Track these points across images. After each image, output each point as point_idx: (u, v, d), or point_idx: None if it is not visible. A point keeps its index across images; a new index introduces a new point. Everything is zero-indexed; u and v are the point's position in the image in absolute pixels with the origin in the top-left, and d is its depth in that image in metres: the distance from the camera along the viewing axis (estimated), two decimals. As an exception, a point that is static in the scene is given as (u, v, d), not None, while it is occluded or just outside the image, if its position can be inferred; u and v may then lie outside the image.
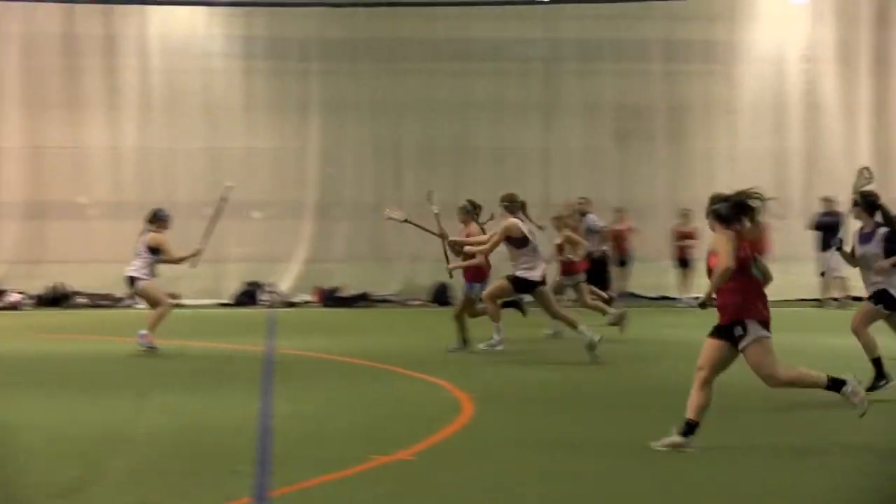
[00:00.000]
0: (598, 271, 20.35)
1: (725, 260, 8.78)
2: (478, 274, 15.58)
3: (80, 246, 24.49)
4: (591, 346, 14.16)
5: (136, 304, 23.86)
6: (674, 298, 23.82)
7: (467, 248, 15.33)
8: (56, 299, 24.02)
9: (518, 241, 14.53)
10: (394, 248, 24.66)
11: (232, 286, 24.82)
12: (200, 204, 25.10)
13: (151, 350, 15.02)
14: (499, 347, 15.27)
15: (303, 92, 25.45)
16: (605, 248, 21.50)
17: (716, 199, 9.09)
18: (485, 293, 15.13)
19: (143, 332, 15.16)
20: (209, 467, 8.45)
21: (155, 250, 15.46)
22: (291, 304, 24.60)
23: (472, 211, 15.77)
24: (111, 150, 25.06)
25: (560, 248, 17.65)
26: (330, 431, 9.89)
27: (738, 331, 8.82)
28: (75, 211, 25.06)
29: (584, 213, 20.94)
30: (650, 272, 24.32)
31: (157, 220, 15.70)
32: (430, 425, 9.88)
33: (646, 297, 24.41)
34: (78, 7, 24.80)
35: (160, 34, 25.20)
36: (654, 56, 25.68)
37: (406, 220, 16.22)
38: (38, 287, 24.02)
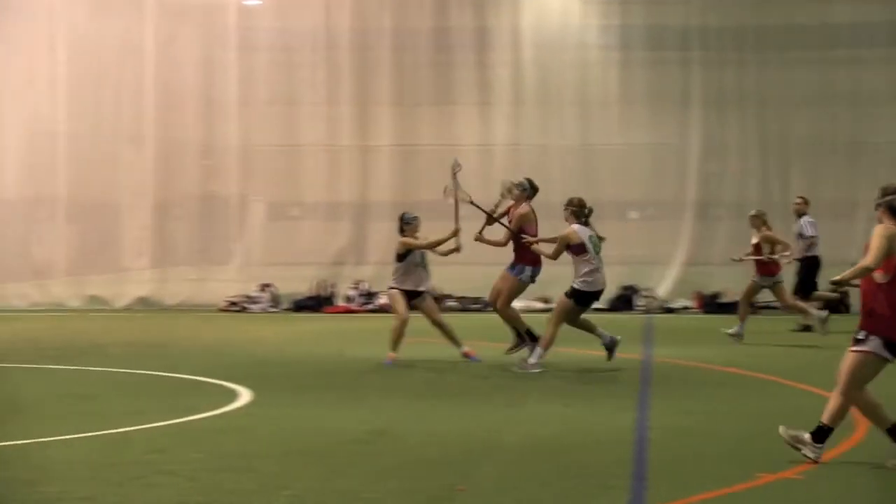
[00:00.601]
0: (805, 277, 19.70)
1: (871, 258, 8.51)
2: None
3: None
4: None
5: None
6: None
7: (536, 248, 14.99)
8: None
9: (577, 248, 14.63)
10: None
11: (606, 290, 24.85)
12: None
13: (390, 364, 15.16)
14: (534, 371, 14.57)
15: (683, 83, 25.32)
16: (813, 253, 20.01)
17: (889, 191, 8.64)
18: (552, 316, 14.87)
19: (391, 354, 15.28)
20: (580, 480, 8.56)
21: (402, 256, 15.62)
22: (669, 310, 24.54)
23: (528, 191, 15.43)
24: (482, 147, 25.64)
25: (757, 248, 17.90)
26: (710, 446, 9.84)
27: (861, 335, 8.72)
28: (446, 211, 25.76)
29: (800, 215, 20.04)
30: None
31: (405, 224, 15.83)
32: (819, 444, 9.66)
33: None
34: (451, 0, 25.55)
35: (533, 26, 25.64)
36: None
37: (471, 202, 15.74)
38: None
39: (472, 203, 15.46)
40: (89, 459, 9.16)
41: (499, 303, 15.21)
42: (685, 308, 24.76)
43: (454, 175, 15.40)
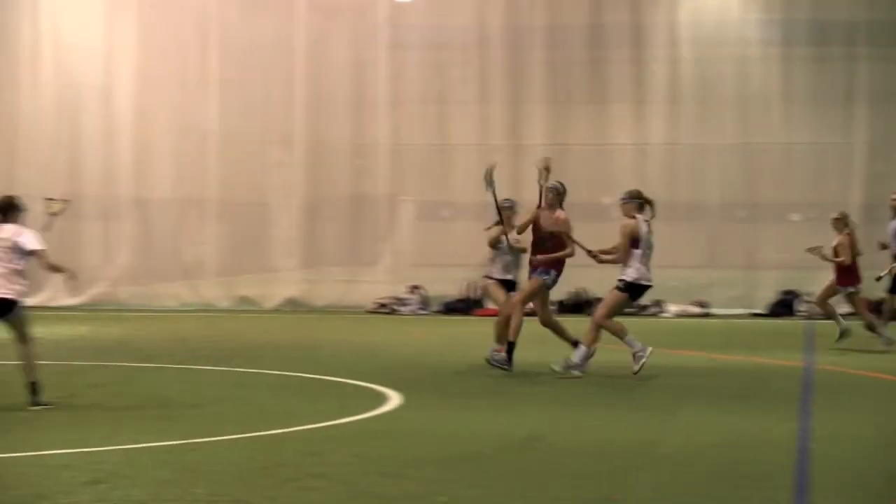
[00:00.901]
0: None
1: None
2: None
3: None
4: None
5: (663, 312, 24.26)
6: None
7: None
8: (578, 305, 24.71)
9: (634, 242, 14.36)
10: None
11: (766, 295, 24.65)
12: (731, 205, 25.17)
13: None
14: (576, 372, 14.32)
15: (848, 80, 24.88)
16: None
17: None
18: (600, 312, 14.51)
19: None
20: (739, 490, 8.48)
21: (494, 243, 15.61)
22: (831, 316, 24.07)
23: (562, 193, 15.09)
24: (637, 146, 25.53)
25: (837, 251, 17.79)
26: (875, 459, 9.67)
27: None
28: (599, 212, 25.71)
29: None
30: None
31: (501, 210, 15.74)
32: None
33: None
34: (606, -5, 25.53)
35: (691, 21, 25.44)
36: None
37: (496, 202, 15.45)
38: (560, 292, 24.74)
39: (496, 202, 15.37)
40: (241, 461, 9.32)
41: (540, 315, 15.01)
42: (849, 314, 24.29)
43: (489, 181, 15.39)
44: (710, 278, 24.67)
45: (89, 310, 24.08)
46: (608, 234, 25.06)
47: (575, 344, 14.79)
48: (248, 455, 9.57)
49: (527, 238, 15.21)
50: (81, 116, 25.96)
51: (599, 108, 25.73)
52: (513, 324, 14.74)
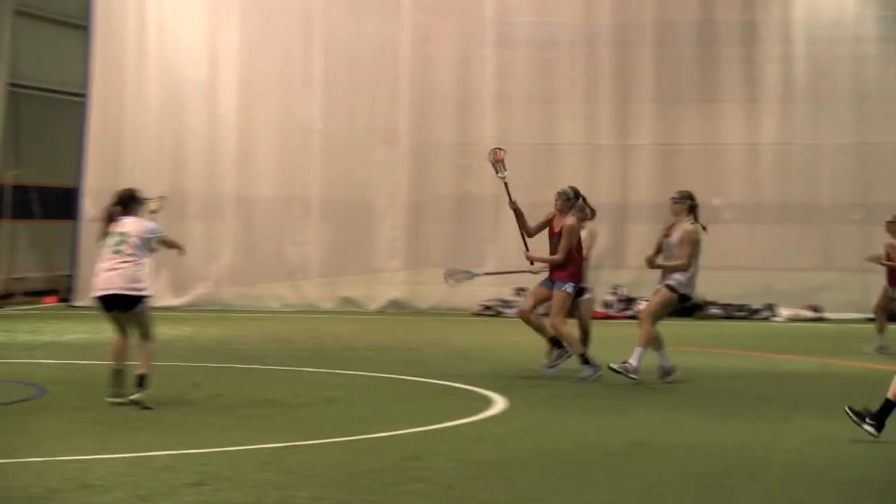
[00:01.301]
0: None
1: None
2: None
3: (713, 252, 24.83)
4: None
5: (774, 316, 24.02)
6: None
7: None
8: (687, 309, 24.50)
9: (693, 250, 14.15)
10: None
11: (882, 299, 24.26)
12: (845, 207, 24.84)
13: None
14: (632, 375, 14.00)
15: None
16: None
17: None
18: (647, 312, 14.23)
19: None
20: (851, 501, 8.39)
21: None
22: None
23: (573, 199, 14.79)
24: (748, 146, 25.31)
25: (889, 254, 17.46)
26: None
27: None
28: (708, 213, 25.46)
29: None
30: None
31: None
32: None
33: None
34: (719, -8, 25.34)
35: (805, 18, 25.16)
36: None
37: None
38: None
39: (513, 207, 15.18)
40: (343, 464, 9.39)
41: (550, 319, 14.77)
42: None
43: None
44: (824, 281, 24.37)
45: (192, 310, 24.38)
46: (718, 237, 25.06)
47: (554, 342, 14.74)
48: (350, 458, 9.64)
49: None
50: (185, 115, 26.29)
51: (710, 107, 25.54)
52: (569, 338, 14.68)
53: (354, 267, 26.34)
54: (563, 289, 14.54)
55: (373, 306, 25.63)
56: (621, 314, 24.41)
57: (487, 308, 25.05)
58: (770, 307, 24.16)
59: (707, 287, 24.29)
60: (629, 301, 24.66)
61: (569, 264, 14.56)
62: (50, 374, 14.71)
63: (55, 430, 10.83)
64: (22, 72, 26.82)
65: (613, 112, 25.64)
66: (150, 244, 12.27)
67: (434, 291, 25.36)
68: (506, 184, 15.39)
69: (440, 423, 11.32)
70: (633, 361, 14.04)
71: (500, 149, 15.77)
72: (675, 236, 14.25)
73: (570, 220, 14.66)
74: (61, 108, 27.79)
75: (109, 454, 9.68)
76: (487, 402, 12.62)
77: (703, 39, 25.35)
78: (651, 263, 14.45)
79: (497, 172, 15.59)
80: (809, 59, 25.09)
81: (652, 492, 8.61)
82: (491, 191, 25.82)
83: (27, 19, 27.07)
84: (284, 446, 10.09)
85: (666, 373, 14.34)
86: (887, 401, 10.21)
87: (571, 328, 14.86)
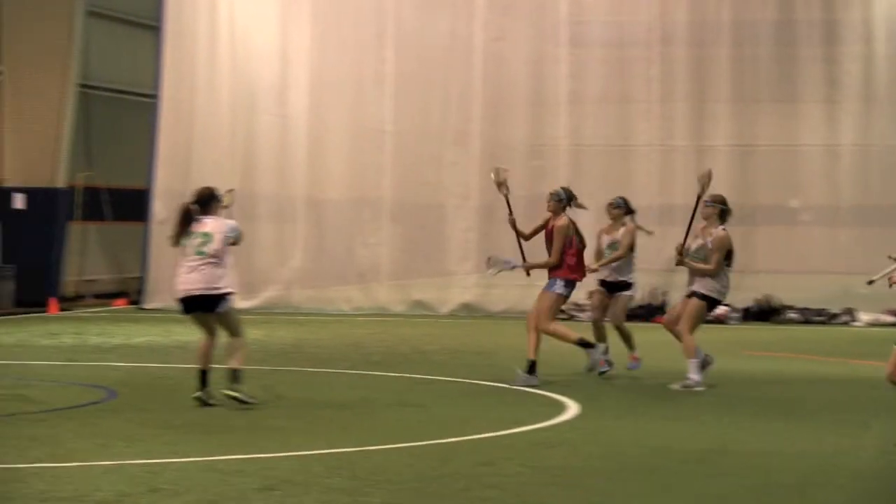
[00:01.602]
0: None
1: None
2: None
3: (791, 255, 24.74)
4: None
5: (854, 321, 23.79)
6: None
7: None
8: (764, 313, 24.38)
9: (727, 256, 14.04)
10: None
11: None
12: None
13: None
14: (698, 388, 13.87)
15: None
16: None
17: None
18: (685, 322, 14.02)
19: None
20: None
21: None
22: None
23: (564, 200, 14.68)
24: (827, 148, 25.09)
25: None
26: None
27: None
28: (786, 216, 25.37)
29: None
30: None
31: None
32: None
33: None
34: (797, -8, 25.14)
35: (887, 17, 24.91)
36: None
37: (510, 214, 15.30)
38: (746, 299, 24.45)
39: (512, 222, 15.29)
40: (414, 470, 9.40)
41: (540, 323, 14.65)
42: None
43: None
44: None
45: (263, 313, 24.49)
46: (795, 239, 24.89)
47: (582, 344, 14.77)
48: (421, 464, 9.65)
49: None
50: (256, 115, 26.42)
51: (788, 107, 25.36)
52: (558, 335, 14.76)
53: (426, 269, 26.36)
54: (551, 290, 14.57)
55: (444, 309, 25.63)
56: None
57: (561, 312, 24.93)
58: (849, 312, 23.92)
59: (785, 291, 24.25)
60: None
61: (561, 264, 14.57)
62: (120, 377, 14.85)
63: (125, 433, 10.92)
64: (93, 72, 27.10)
65: (689, 112, 25.51)
66: (231, 242, 12.38)
67: (507, 295, 25.30)
68: (507, 200, 15.46)
69: (512, 428, 11.31)
70: (692, 376, 14.04)
71: (502, 169, 15.80)
72: (707, 241, 14.20)
73: (561, 220, 14.68)
74: (132, 108, 28.07)
75: (179, 458, 9.75)
76: (560, 407, 12.60)
77: (781, 38, 25.16)
78: (680, 261, 14.42)
79: (500, 190, 15.54)
80: (891, 59, 24.84)
81: (728, 501, 8.55)
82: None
83: (98, 20, 27.35)
84: (355, 451, 10.12)
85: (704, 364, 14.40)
86: None
87: (560, 325, 14.92)
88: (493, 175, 15.78)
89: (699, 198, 14.49)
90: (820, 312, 24.11)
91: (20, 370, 15.62)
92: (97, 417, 11.93)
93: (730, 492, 8.79)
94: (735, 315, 24.20)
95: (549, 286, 14.63)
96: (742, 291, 24.51)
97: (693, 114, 25.52)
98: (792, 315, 24.20)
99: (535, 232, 15.06)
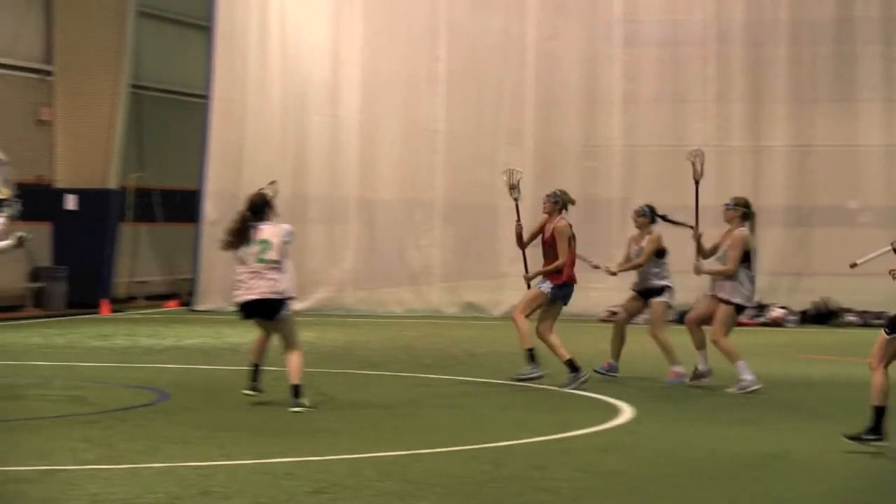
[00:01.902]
0: None
1: None
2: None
3: (849, 257, 24.39)
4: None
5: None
6: None
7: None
8: (822, 316, 24.21)
9: (746, 255, 13.96)
10: None
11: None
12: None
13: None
14: (754, 387, 13.86)
15: None
16: None
17: None
18: (716, 330, 14.04)
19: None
20: None
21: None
22: None
23: (560, 202, 14.66)
24: (887, 147, 24.90)
25: None
26: None
27: None
28: (845, 217, 25.17)
29: None
30: None
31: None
32: None
33: None
34: (859, -11, 24.96)
35: (948, 14, 24.73)
36: None
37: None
38: (803, 302, 24.31)
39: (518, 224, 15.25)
40: (466, 473, 9.39)
41: (514, 314, 14.68)
42: None
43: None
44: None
45: (314, 315, 24.51)
46: (853, 241, 24.69)
47: (570, 364, 14.46)
48: (473, 467, 9.63)
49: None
50: (307, 116, 26.48)
51: (847, 106, 25.16)
52: (523, 333, 14.60)
53: (478, 271, 26.31)
54: (540, 287, 14.50)
55: (497, 311, 25.55)
56: (754, 321, 24.05)
57: (614, 314, 24.84)
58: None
59: (843, 294, 24.05)
60: (761, 308, 24.32)
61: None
62: (172, 378, 14.92)
63: (176, 435, 10.97)
64: (144, 73, 27.28)
65: (746, 112, 25.36)
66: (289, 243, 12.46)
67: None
68: (517, 205, 15.49)
69: (566, 431, 11.27)
70: (745, 377, 14.02)
71: (516, 171, 15.79)
72: (727, 243, 14.16)
73: (560, 222, 14.67)
74: (183, 109, 28.23)
75: (230, 461, 9.78)
76: (614, 411, 12.55)
77: (840, 37, 24.97)
78: (698, 270, 14.56)
79: (511, 193, 15.57)
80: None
81: (786, 506, 8.50)
82: (618, 193, 25.71)
83: (150, 20, 27.53)
84: (406, 454, 10.11)
85: (698, 376, 14.57)
86: None
87: (526, 323, 14.62)
88: (504, 177, 15.79)
89: (697, 183, 14.82)
90: (879, 315, 23.86)
91: (72, 372, 15.72)
92: (149, 419, 11.99)
93: (789, 497, 8.73)
94: (792, 318, 24.06)
95: (539, 285, 14.59)
96: (799, 294, 24.42)
97: (750, 114, 25.38)
98: (850, 318, 24.01)
99: (533, 237, 15.04)
